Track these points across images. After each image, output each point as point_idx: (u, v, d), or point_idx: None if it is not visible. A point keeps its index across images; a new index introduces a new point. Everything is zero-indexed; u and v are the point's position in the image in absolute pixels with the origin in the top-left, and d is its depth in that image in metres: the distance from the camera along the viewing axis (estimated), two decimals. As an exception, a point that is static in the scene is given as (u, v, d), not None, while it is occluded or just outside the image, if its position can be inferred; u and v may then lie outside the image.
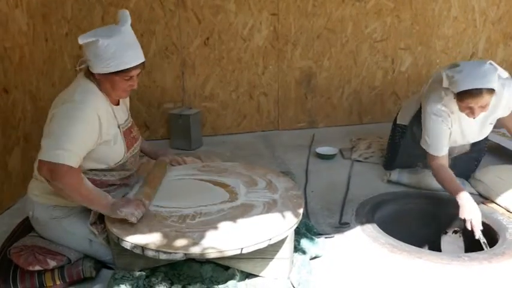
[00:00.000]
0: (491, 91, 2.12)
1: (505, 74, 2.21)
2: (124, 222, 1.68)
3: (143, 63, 1.81)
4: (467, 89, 2.10)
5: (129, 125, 1.99)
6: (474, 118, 2.24)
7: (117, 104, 1.93)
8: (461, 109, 2.24)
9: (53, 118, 1.71)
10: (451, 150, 2.49)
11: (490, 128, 2.54)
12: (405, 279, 1.77)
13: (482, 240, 2.01)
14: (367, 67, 3.79)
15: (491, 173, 2.54)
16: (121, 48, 1.73)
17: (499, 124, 2.57)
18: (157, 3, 3.29)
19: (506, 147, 3.03)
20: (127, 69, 1.76)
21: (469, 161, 2.69)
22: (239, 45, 3.51)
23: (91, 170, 1.84)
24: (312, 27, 3.59)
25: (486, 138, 2.65)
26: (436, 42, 3.81)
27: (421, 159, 2.57)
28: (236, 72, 3.58)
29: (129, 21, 1.80)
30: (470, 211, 2.07)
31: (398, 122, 2.80)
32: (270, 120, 3.77)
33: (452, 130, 2.38)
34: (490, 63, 2.15)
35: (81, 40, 1.71)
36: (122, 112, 1.96)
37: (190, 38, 3.42)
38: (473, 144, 2.63)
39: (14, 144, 2.44)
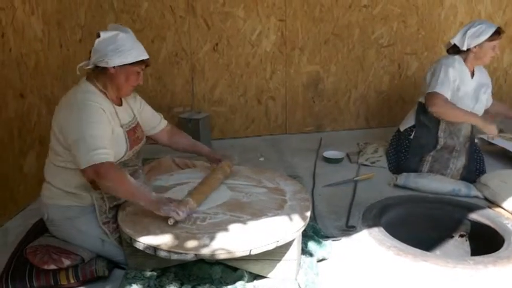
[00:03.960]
0: None
1: None
2: (138, 223, 1.73)
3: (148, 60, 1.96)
4: (496, 28, 2.69)
5: (133, 125, 2.05)
6: (496, 54, 2.78)
7: (120, 104, 2.00)
8: (487, 53, 2.73)
9: (67, 127, 1.78)
10: (458, 125, 2.79)
11: (484, 99, 2.84)
12: (411, 282, 1.80)
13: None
14: (374, 72, 3.82)
15: (497, 178, 2.56)
16: (136, 42, 1.90)
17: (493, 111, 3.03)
18: (168, 10, 3.35)
19: (512, 151, 3.05)
20: (144, 60, 1.90)
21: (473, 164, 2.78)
22: (247, 51, 3.56)
23: None
24: (319, 32, 3.64)
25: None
26: (442, 47, 3.81)
27: (432, 145, 2.81)
28: (244, 77, 3.63)
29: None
30: (490, 130, 2.73)
31: (402, 129, 2.96)
32: (277, 124, 3.81)
33: (456, 82, 2.73)
34: None
35: (104, 34, 1.83)
36: (126, 113, 2.02)
37: (200, 44, 3.48)
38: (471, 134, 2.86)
39: (29, 147, 2.51)
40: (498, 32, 2.69)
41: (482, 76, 2.90)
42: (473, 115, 2.74)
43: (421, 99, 2.84)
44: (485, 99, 2.88)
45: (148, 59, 1.93)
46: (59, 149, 1.84)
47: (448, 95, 2.67)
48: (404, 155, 2.89)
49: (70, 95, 1.87)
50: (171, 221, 1.69)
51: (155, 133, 2.28)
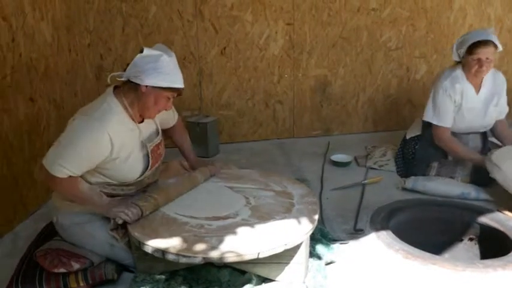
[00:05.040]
0: (496, 46, 2.48)
1: (500, 47, 2.54)
2: (146, 227, 1.75)
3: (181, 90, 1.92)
4: (477, 39, 2.46)
5: (158, 142, 2.05)
6: (483, 72, 2.52)
7: (142, 120, 1.97)
8: (471, 67, 2.54)
9: (68, 126, 1.81)
10: (464, 139, 2.73)
11: (494, 112, 2.70)
12: (420, 286, 1.79)
13: None
14: (382, 75, 3.81)
15: (510, 158, 2.43)
16: (177, 68, 1.86)
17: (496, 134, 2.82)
18: (176, 14, 3.38)
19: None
20: (177, 88, 1.86)
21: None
22: (255, 55, 3.58)
23: (108, 184, 1.92)
24: (327, 36, 3.64)
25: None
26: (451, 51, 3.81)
27: (437, 157, 2.75)
28: (252, 80, 3.64)
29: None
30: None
31: (408, 137, 2.94)
32: (285, 127, 3.82)
33: (456, 103, 2.64)
34: (492, 30, 2.56)
35: (147, 51, 1.80)
36: (148, 126, 2.01)
37: (208, 48, 3.50)
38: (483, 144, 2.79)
39: (39, 151, 2.53)
40: (477, 45, 2.46)
41: (496, 85, 2.74)
42: (473, 153, 2.66)
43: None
44: (495, 112, 2.74)
45: (182, 88, 1.89)
46: None
47: (449, 123, 2.68)
48: (411, 161, 2.89)
49: (93, 107, 1.84)
50: (119, 220, 1.76)
51: (167, 128, 2.29)
